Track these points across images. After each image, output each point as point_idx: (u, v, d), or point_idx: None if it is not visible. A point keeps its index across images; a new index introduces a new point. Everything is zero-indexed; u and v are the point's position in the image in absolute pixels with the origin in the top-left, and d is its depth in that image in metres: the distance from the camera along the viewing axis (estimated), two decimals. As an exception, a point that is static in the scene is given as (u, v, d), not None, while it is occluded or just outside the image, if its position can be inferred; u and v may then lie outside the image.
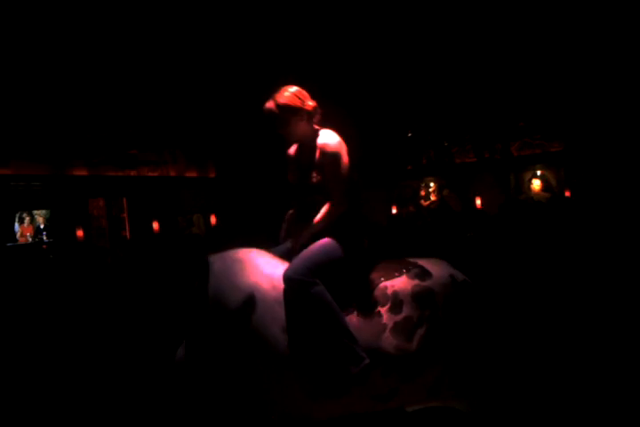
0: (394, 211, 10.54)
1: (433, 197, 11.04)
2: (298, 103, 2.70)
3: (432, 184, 11.14)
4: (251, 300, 2.45)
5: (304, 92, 2.76)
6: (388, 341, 2.47)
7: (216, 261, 2.58)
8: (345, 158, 2.67)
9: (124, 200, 9.27)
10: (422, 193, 11.20)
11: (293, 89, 2.74)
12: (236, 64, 8.99)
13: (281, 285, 2.50)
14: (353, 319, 2.52)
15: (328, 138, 2.69)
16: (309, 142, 2.75)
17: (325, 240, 2.62)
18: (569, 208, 8.11)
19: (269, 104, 2.70)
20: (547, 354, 3.56)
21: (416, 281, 2.59)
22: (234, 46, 8.62)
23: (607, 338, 3.77)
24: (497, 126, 10.51)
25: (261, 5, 7.95)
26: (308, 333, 2.44)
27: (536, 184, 9.93)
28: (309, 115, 2.74)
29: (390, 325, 2.49)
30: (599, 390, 3.03)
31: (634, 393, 2.94)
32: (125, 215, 9.30)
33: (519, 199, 8.98)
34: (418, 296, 2.54)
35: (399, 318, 2.50)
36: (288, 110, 2.67)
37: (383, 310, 2.52)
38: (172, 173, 9.97)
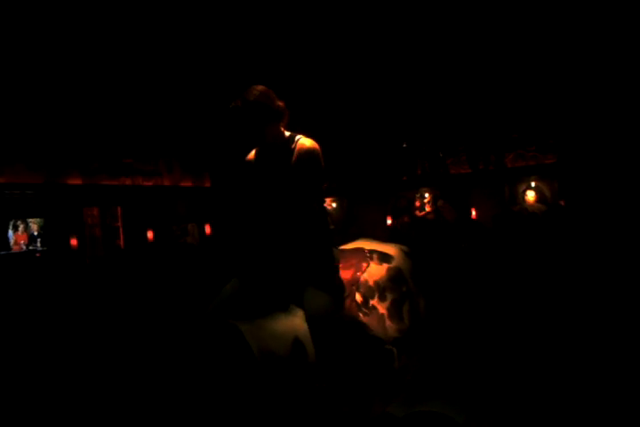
0: (389, 222, 10.55)
1: (428, 208, 11.06)
2: (268, 102, 2.58)
3: (427, 195, 11.16)
4: (298, 344, 2.36)
5: (272, 92, 2.65)
6: (392, 327, 2.63)
7: (240, 321, 2.40)
8: (321, 164, 2.59)
9: (119, 209, 9.25)
10: (417, 204, 11.22)
11: (262, 88, 2.63)
12: (232, 72, 9.01)
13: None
14: (364, 319, 2.58)
15: (308, 143, 2.60)
16: (281, 146, 2.64)
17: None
18: (564, 219, 8.14)
19: (237, 102, 2.57)
20: (539, 362, 3.56)
21: (385, 265, 2.77)
22: (230, 55, 8.65)
23: (600, 349, 3.77)
24: (491, 138, 10.58)
25: (252, 19, 7.98)
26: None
27: (530, 195, 9.97)
28: (279, 115, 2.63)
29: (386, 313, 2.64)
30: (588, 394, 3.02)
31: (629, 395, 2.93)
32: (120, 224, 9.27)
33: (513, 210, 9.00)
34: (393, 278, 2.75)
35: (388, 303, 2.67)
36: (258, 109, 2.54)
37: (375, 301, 2.67)
38: (167, 183, 9.96)
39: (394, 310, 2.67)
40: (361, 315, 2.58)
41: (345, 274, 2.65)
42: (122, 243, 9.18)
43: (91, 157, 8.87)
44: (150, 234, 8.83)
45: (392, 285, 2.72)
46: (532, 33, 8.60)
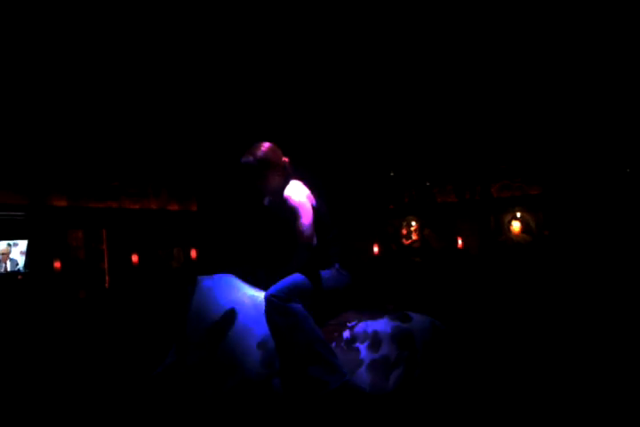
0: (375, 249, 10.57)
1: (414, 236, 11.10)
2: (274, 159, 2.91)
3: (413, 223, 11.21)
4: (230, 315, 2.65)
5: (278, 149, 2.98)
6: (363, 377, 2.47)
7: (205, 279, 2.84)
8: (307, 207, 2.81)
9: (104, 231, 9.18)
10: (404, 232, 11.26)
11: (269, 144, 2.94)
12: (217, 101, 9.08)
13: (262, 305, 2.67)
14: (337, 349, 2.56)
15: (292, 190, 2.87)
16: (281, 194, 2.93)
17: (299, 273, 2.80)
18: (549, 249, 8.22)
19: (247, 158, 2.90)
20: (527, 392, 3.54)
21: (396, 323, 2.63)
22: (214, 86, 8.71)
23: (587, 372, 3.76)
24: (478, 168, 10.71)
25: (239, 54, 8.07)
26: (287, 348, 2.55)
27: (515, 226, 10.06)
28: (283, 169, 2.93)
29: (367, 362, 2.51)
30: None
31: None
32: (104, 247, 9.19)
33: (498, 240, 9.07)
34: (397, 337, 2.56)
35: (377, 356, 2.52)
36: (265, 165, 2.87)
37: (362, 346, 2.55)
38: (154, 206, 9.92)
39: (379, 365, 2.50)
40: (334, 343, 2.57)
41: (353, 314, 2.73)
42: (106, 266, 9.08)
43: (77, 180, 8.83)
44: (135, 257, 8.74)
45: (392, 342, 2.56)
46: (517, 65, 8.77)
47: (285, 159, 2.96)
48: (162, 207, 10.04)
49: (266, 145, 2.93)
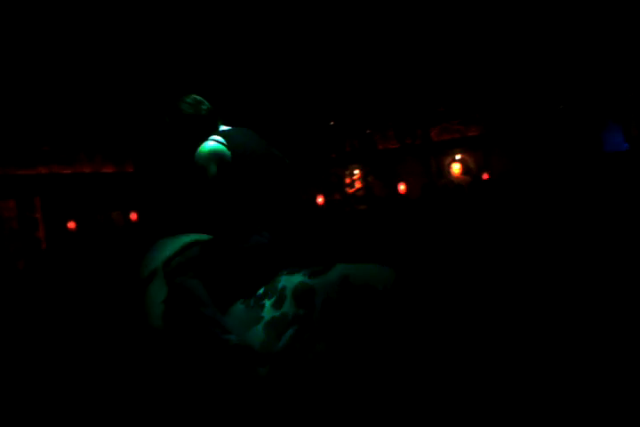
0: (320, 199, 10.53)
1: (358, 185, 11.11)
2: (190, 110, 2.65)
3: (357, 171, 11.20)
4: (154, 272, 2.73)
5: (197, 97, 2.70)
6: (256, 335, 2.35)
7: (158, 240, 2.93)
8: (212, 168, 2.55)
9: (37, 199, 8.83)
10: (347, 181, 11.26)
11: (185, 96, 2.69)
12: (147, 59, 8.67)
13: None
14: (238, 309, 2.47)
15: (200, 148, 2.59)
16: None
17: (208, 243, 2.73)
18: (488, 190, 8.34)
19: (161, 114, 2.68)
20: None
21: (304, 278, 2.41)
22: (141, 41, 8.29)
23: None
24: (417, 112, 10.68)
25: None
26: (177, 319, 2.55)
27: (456, 168, 10.17)
28: (207, 121, 2.67)
29: (267, 318, 2.38)
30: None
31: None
32: (39, 215, 8.86)
33: (437, 184, 9.16)
34: (298, 293, 2.37)
35: (277, 313, 2.38)
36: (183, 120, 2.64)
37: (267, 302, 2.42)
38: (87, 170, 9.55)
39: (276, 324, 2.34)
40: (242, 300, 2.48)
41: (282, 268, 2.53)
42: (42, 235, 8.79)
43: (3, 146, 8.39)
44: (72, 224, 8.45)
45: (292, 299, 2.35)
46: (457, 11, 8.65)
47: (207, 108, 2.69)
48: (96, 171, 9.67)
49: (186, 99, 2.67)
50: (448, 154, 10.36)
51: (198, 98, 2.70)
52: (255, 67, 9.34)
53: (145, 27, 8.02)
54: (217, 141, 2.59)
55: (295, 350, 2.27)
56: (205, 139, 2.62)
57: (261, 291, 2.46)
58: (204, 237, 2.89)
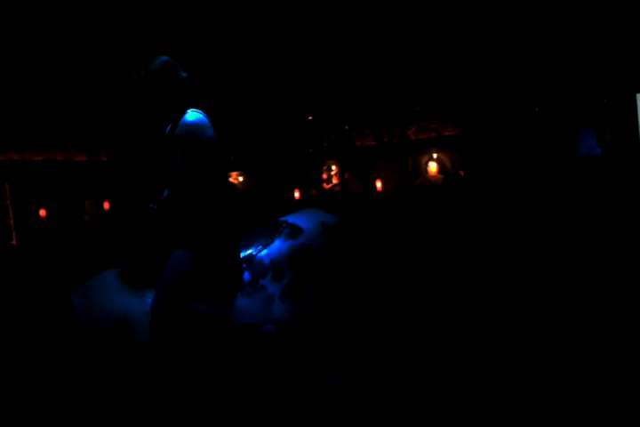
0: (296, 195, 10.51)
1: (335, 180, 11.12)
2: (169, 71, 2.42)
3: (334, 167, 11.20)
4: (125, 324, 2.37)
5: (176, 63, 2.49)
6: (281, 310, 2.40)
7: (77, 297, 2.47)
8: (201, 144, 2.36)
9: (7, 186, 8.63)
10: (324, 176, 11.25)
11: (166, 58, 2.46)
12: (132, 42, 8.51)
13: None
14: (241, 302, 2.44)
15: (191, 117, 2.39)
16: (178, 119, 2.44)
17: (177, 254, 2.41)
18: (462, 187, 8.41)
19: (137, 71, 2.40)
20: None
21: (289, 242, 2.51)
22: (129, 24, 8.13)
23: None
24: (395, 111, 10.72)
25: None
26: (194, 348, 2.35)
27: (432, 167, 10.25)
28: (181, 89, 2.46)
29: (278, 293, 2.42)
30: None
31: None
32: (8, 202, 8.66)
33: (412, 182, 9.22)
34: (296, 256, 2.48)
35: (285, 282, 2.44)
36: (159, 77, 2.39)
37: (265, 281, 2.45)
38: (59, 157, 9.35)
39: (290, 291, 2.42)
40: (240, 295, 2.44)
41: (248, 251, 2.51)
42: (12, 222, 8.59)
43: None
44: (43, 212, 8.29)
45: (292, 264, 2.46)
46: (433, 8, 8.69)
47: (186, 74, 2.48)
48: (68, 158, 9.48)
49: (162, 57, 2.44)
50: (425, 153, 10.43)
51: (176, 63, 2.50)
52: (236, 60, 9.25)
53: (122, 14, 7.88)
54: (202, 114, 2.42)
55: (324, 298, 2.43)
56: (180, 107, 2.44)
57: (248, 276, 2.46)
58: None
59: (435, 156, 10.35)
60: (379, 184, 9.75)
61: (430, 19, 8.92)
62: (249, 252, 2.56)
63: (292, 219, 2.64)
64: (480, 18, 8.82)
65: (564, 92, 9.41)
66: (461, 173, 9.74)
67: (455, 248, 5.63)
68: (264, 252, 2.52)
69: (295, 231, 2.55)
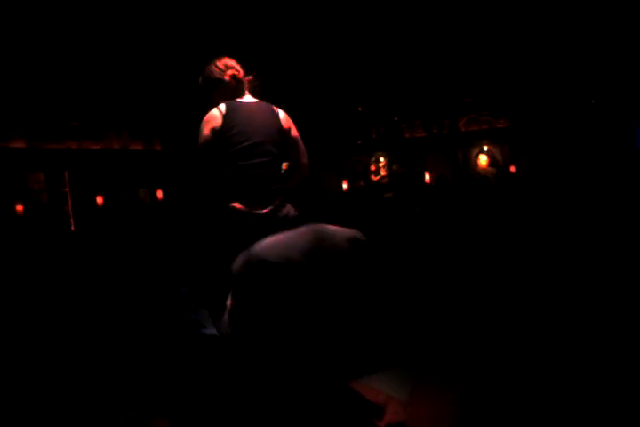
0: (344, 186, 10.57)
1: (383, 172, 11.11)
2: (217, 75, 2.52)
3: (382, 159, 11.19)
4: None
5: (230, 62, 2.55)
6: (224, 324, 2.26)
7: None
8: (201, 134, 2.45)
9: (66, 173, 8.95)
10: (372, 168, 11.25)
11: (219, 59, 2.56)
12: (180, 35, 8.68)
13: None
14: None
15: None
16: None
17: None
18: (514, 183, 8.31)
19: (199, 78, 2.59)
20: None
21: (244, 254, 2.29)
22: (175, 18, 8.29)
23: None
24: (445, 102, 10.61)
25: None
26: None
27: (482, 160, 10.13)
28: (231, 86, 2.52)
29: (228, 307, 2.25)
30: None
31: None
32: (67, 189, 8.99)
33: (465, 174, 9.15)
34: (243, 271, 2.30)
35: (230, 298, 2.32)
36: (209, 83, 2.55)
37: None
38: (116, 146, 9.64)
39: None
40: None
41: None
42: (70, 209, 8.92)
43: (35, 120, 8.49)
44: (100, 199, 8.58)
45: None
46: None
47: (235, 72, 2.52)
48: (124, 147, 9.76)
49: (214, 60, 2.55)
50: (475, 145, 10.30)
51: (230, 63, 2.56)
52: (288, 51, 9.31)
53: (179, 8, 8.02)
54: (218, 108, 2.48)
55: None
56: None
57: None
58: None
59: (485, 148, 10.21)
60: (427, 177, 9.72)
61: (485, 8, 8.77)
62: None
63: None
64: (536, 7, 8.63)
65: (622, 83, 9.13)
66: (512, 166, 9.60)
67: (502, 246, 5.58)
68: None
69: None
